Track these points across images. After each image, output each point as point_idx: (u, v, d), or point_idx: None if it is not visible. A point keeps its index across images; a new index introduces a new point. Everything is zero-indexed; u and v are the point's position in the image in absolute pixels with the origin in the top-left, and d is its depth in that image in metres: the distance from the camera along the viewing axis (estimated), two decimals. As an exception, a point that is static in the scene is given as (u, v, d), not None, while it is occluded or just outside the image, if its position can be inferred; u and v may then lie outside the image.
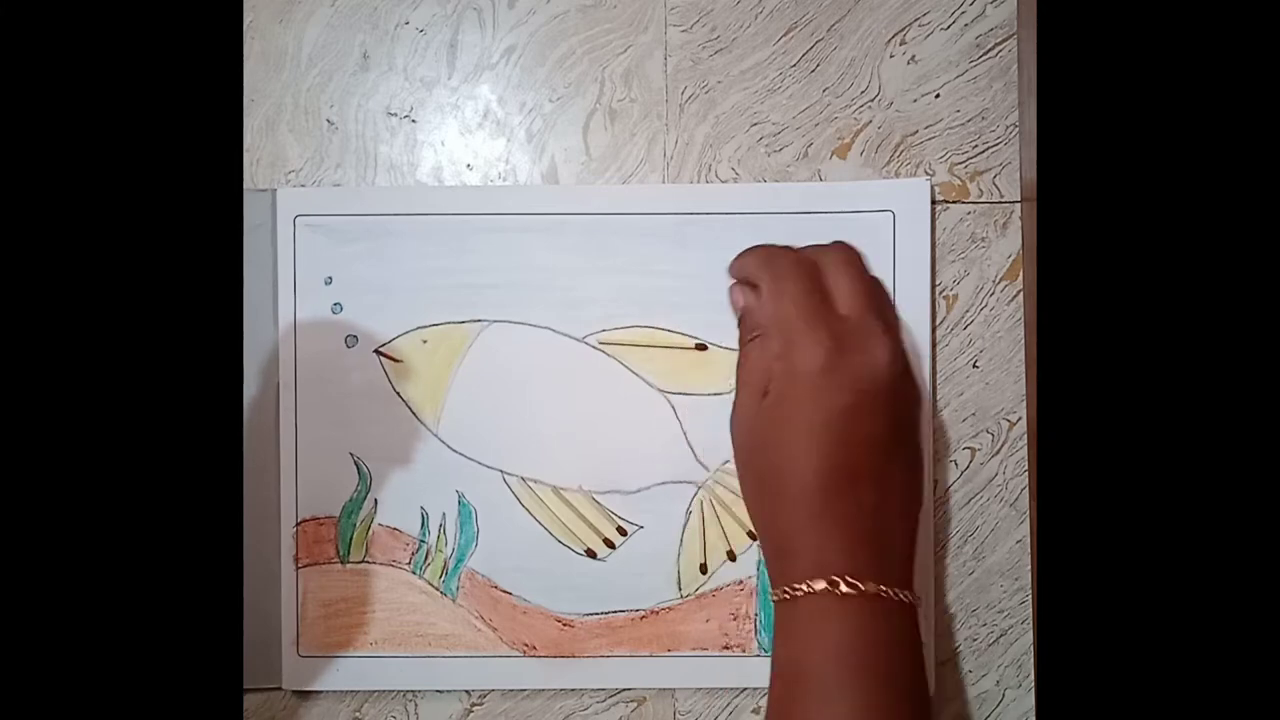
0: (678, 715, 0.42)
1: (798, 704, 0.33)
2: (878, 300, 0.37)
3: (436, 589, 0.42)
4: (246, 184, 0.43)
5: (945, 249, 0.42)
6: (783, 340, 0.35)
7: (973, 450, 0.42)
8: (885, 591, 0.33)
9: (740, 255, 0.39)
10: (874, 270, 0.39)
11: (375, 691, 0.42)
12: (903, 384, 0.36)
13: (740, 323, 0.39)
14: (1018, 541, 0.42)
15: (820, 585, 0.33)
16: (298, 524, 0.42)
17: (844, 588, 0.33)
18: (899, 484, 0.36)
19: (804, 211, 0.42)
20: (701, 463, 0.42)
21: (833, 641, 0.33)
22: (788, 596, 0.34)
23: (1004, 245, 0.42)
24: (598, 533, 0.42)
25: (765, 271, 0.37)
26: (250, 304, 0.42)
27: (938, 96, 0.42)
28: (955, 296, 0.42)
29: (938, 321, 0.42)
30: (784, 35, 0.43)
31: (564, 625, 0.42)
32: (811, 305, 0.35)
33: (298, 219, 0.42)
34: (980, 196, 0.42)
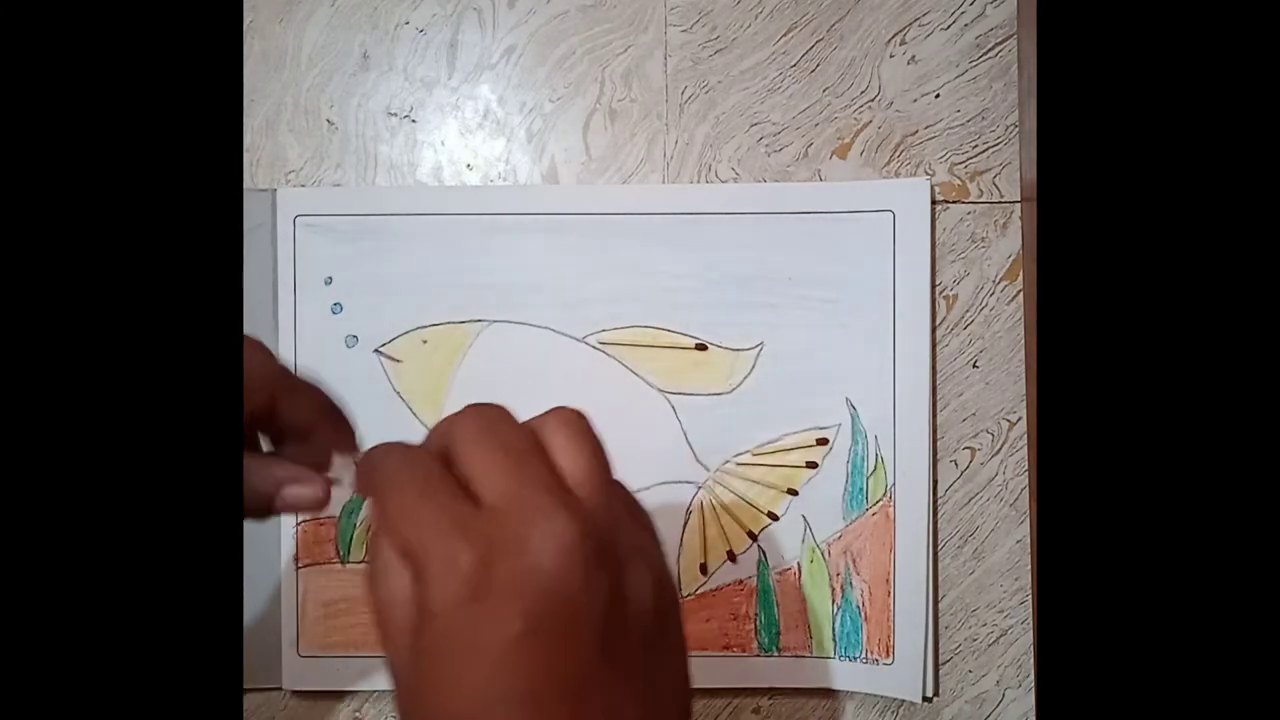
0: (678, 715, 0.42)
1: None
2: (534, 460, 0.24)
3: (436, 589, 0.42)
4: (246, 184, 0.43)
5: (945, 249, 0.42)
6: (423, 556, 0.23)
7: (973, 450, 0.42)
8: None
9: (360, 467, 0.27)
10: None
11: (375, 691, 0.42)
12: (591, 581, 0.23)
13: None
14: (1018, 541, 0.42)
15: None
16: (298, 524, 0.42)
17: None
18: (638, 708, 0.24)
19: (804, 211, 0.42)
20: (701, 463, 0.42)
21: None
22: None
23: (1004, 245, 0.42)
24: (598, 533, 0.42)
25: (389, 475, 0.25)
26: (250, 304, 0.42)
27: (938, 96, 0.42)
28: (955, 296, 0.42)
29: (938, 321, 0.42)
30: (784, 35, 0.43)
31: (564, 625, 0.42)
32: (436, 494, 0.24)
33: (298, 219, 0.42)
34: (980, 196, 0.42)
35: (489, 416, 0.25)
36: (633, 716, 0.24)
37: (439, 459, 0.25)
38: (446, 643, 0.23)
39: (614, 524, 0.24)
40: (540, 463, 0.24)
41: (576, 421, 0.25)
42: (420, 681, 0.23)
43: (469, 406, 0.26)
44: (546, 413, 0.26)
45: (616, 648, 0.23)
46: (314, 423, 0.31)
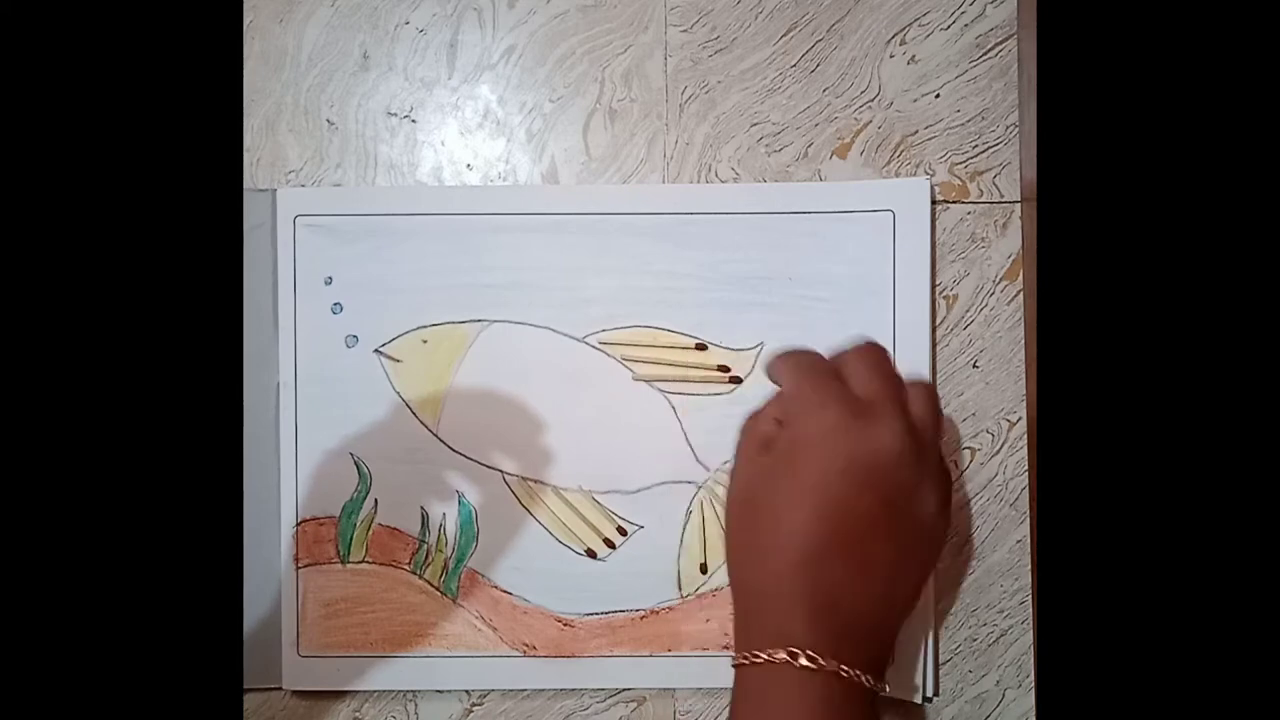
0: (678, 715, 0.42)
1: None
2: (894, 388, 0.35)
3: (436, 589, 0.42)
4: (246, 184, 0.43)
5: (945, 249, 0.42)
6: (787, 407, 0.35)
7: (973, 450, 0.42)
8: (846, 671, 0.32)
9: (775, 357, 0.38)
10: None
11: (375, 691, 0.42)
12: (908, 472, 0.34)
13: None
14: (1018, 541, 0.42)
15: (780, 655, 0.32)
16: (298, 524, 0.42)
17: (803, 661, 0.32)
18: (885, 568, 0.34)
19: (804, 211, 0.42)
20: (701, 463, 0.42)
21: (783, 715, 0.32)
22: (745, 663, 0.33)
23: (1004, 245, 0.42)
24: (598, 533, 0.42)
25: (785, 366, 0.37)
26: (250, 304, 0.42)
27: (938, 96, 0.42)
28: (955, 296, 0.42)
29: (938, 321, 0.42)
30: (784, 35, 0.43)
31: (564, 625, 0.42)
32: (823, 381, 0.35)
33: (298, 219, 0.42)
34: (980, 196, 0.42)
35: (877, 352, 0.36)
36: (883, 563, 0.34)
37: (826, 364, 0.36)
38: (791, 455, 0.34)
39: (930, 452, 0.35)
40: (902, 391, 0.35)
41: (933, 392, 0.37)
42: (759, 476, 0.35)
43: (867, 341, 0.37)
44: (911, 379, 0.36)
45: (892, 517, 0.34)
46: None
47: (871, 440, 0.33)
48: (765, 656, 0.33)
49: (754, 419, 0.36)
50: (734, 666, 0.34)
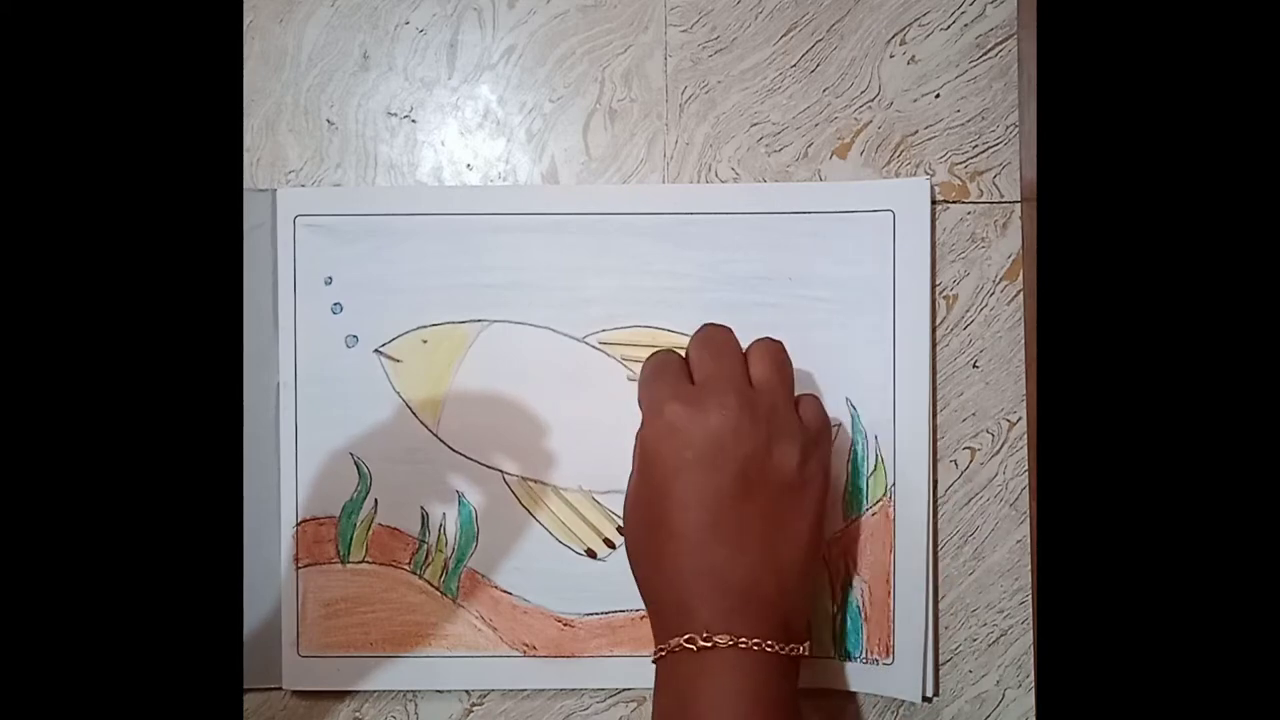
0: (678, 715, 0.42)
1: None
2: (727, 364, 0.37)
3: (436, 589, 0.42)
4: (246, 184, 0.43)
5: (945, 249, 0.42)
6: (649, 415, 0.37)
7: (973, 450, 0.42)
8: (744, 642, 0.34)
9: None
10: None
11: (375, 691, 0.42)
12: (753, 439, 0.35)
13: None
14: (1018, 541, 0.42)
15: (684, 642, 0.34)
16: (298, 524, 0.42)
17: (700, 641, 0.34)
18: (758, 537, 0.35)
19: (804, 211, 0.42)
20: (701, 463, 0.42)
21: (696, 696, 0.34)
22: (662, 654, 0.35)
23: (1004, 245, 0.42)
24: (598, 533, 0.42)
25: (645, 381, 0.38)
26: (250, 304, 0.42)
27: (938, 96, 0.42)
28: (955, 296, 0.42)
29: (938, 321, 0.42)
30: (784, 35, 0.43)
31: (564, 625, 0.42)
32: (658, 384, 0.37)
33: (298, 219, 0.42)
34: (980, 196, 0.42)
35: (711, 330, 0.38)
36: (756, 532, 0.35)
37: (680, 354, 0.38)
38: (648, 460, 0.36)
39: (776, 412, 0.36)
40: (735, 364, 0.37)
41: (773, 347, 0.38)
42: (633, 487, 0.37)
43: (705, 325, 0.39)
44: (756, 339, 0.38)
45: (754, 489, 0.35)
46: None
47: (706, 423, 0.35)
48: (670, 646, 0.35)
49: (637, 444, 0.38)
50: (653, 662, 0.36)
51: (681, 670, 0.34)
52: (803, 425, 0.37)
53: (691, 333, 0.39)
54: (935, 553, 0.42)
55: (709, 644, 0.34)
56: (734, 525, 0.35)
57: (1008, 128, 0.42)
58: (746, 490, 0.35)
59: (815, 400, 0.38)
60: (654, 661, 0.36)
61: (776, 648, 0.34)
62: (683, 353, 0.38)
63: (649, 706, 0.42)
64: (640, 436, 0.37)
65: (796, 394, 0.38)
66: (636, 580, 0.37)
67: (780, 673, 0.35)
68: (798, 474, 0.36)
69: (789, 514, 0.36)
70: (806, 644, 0.36)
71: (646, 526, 0.36)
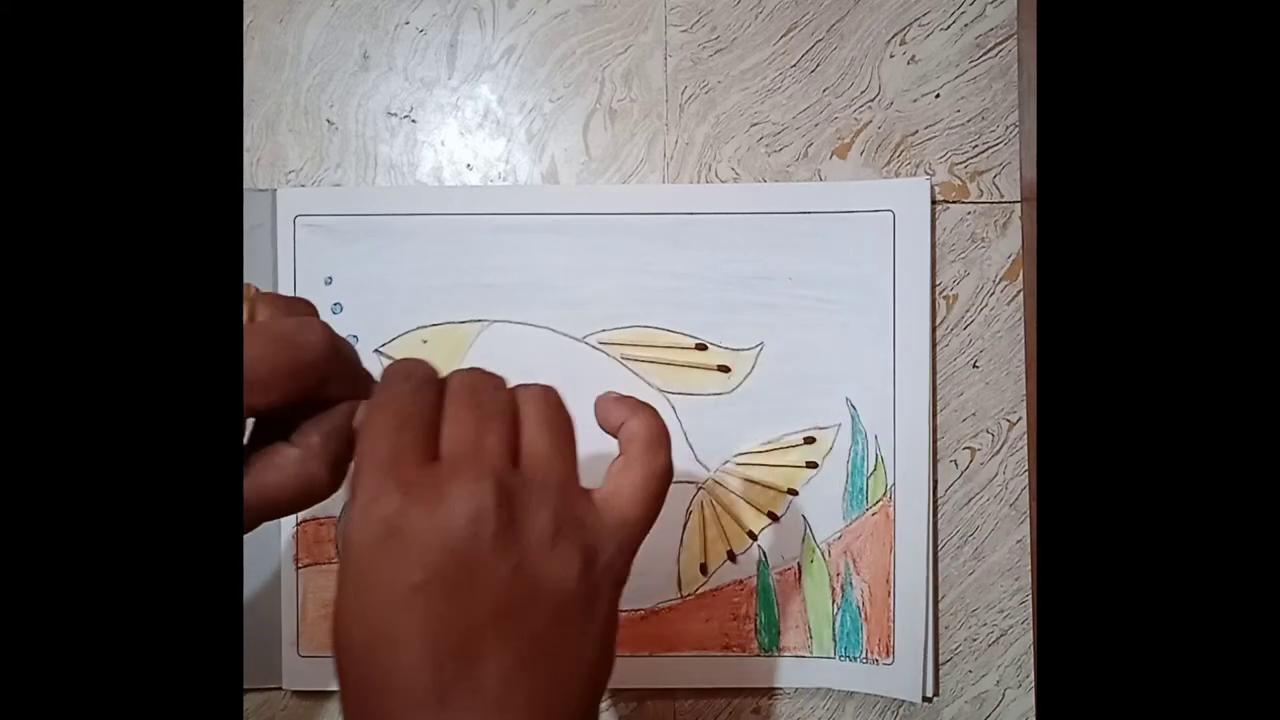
0: (677, 715, 0.42)
1: None
2: (482, 427, 0.26)
3: (436, 589, 0.42)
4: (246, 184, 0.43)
5: (945, 249, 0.42)
6: (357, 491, 0.25)
7: (973, 450, 0.42)
8: None
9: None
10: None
11: (375, 691, 0.42)
12: (500, 547, 0.25)
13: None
14: (1018, 541, 0.42)
15: None
16: (298, 524, 0.42)
17: None
18: (533, 678, 0.25)
19: (804, 211, 0.42)
20: (701, 463, 0.42)
21: None
22: None
23: (1004, 245, 0.42)
24: (598, 533, 0.42)
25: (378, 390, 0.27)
26: (250, 304, 0.42)
27: (938, 96, 0.42)
28: (955, 296, 0.42)
29: (938, 321, 0.42)
30: (784, 35, 0.43)
31: (564, 625, 0.42)
32: (375, 460, 0.25)
33: (298, 219, 0.42)
34: (980, 196, 0.42)
35: (478, 380, 0.27)
36: (527, 687, 0.24)
37: (432, 401, 0.26)
38: (361, 574, 0.24)
39: (552, 500, 0.26)
40: (501, 431, 0.26)
41: (549, 399, 0.28)
42: (341, 610, 0.25)
43: (472, 368, 0.28)
44: (528, 386, 0.28)
45: (520, 616, 0.25)
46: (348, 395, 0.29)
47: (449, 526, 0.24)
48: None
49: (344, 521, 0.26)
50: None
51: None
52: (591, 505, 0.27)
53: (692, 333, 0.39)
54: (935, 553, 0.42)
55: None
56: (492, 668, 0.24)
57: (1008, 128, 0.42)
58: (507, 616, 0.24)
59: (642, 451, 0.29)
60: None
61: None
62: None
63: (649, 707, 0.42)
64: (349, 537, 0.25)
65: (644, 400, 0.30)
66: None
67: None
68: (580, 584, 0.26)
69: (566, 644, 0.26)
70: None
71: (364, 674, 0.25)
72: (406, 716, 0.24)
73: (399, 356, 0.42)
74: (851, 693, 0.42)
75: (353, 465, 0.26)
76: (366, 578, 0.24)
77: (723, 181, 0.42)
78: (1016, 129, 0.42)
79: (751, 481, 0.42)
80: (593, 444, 0.42)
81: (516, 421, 0.27)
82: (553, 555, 0.25)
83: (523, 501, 0.25)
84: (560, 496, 0.26)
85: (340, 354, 0.28)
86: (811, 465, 0.42)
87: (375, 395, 0.27)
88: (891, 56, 0.42)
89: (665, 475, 0.29)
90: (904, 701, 0.41)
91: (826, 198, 0.42)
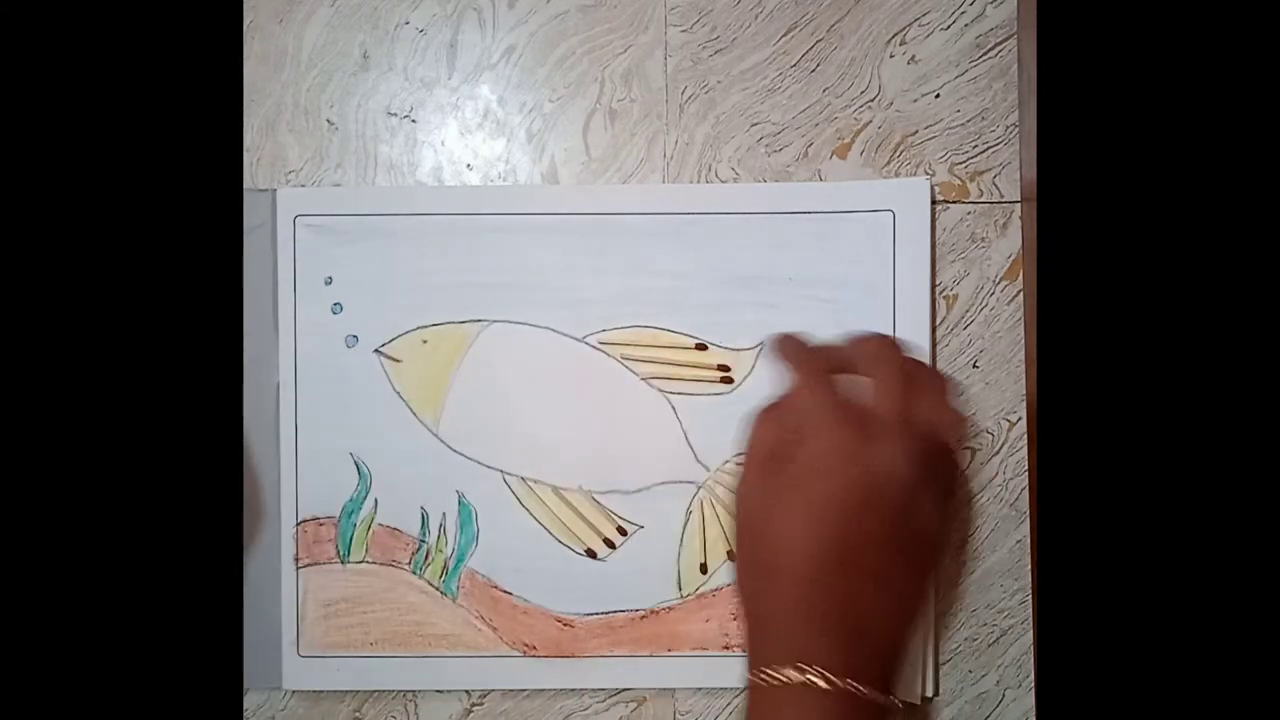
0: (678, 715, 0.42)
1: None
2: (901, 399, 0.34)
3: (436, 589, 0.42)
4: (246, 184, 0.43)
5: (945, 249, 0.42)
6: (800, 419, 0.35)
7: (973, 450, 0.42)
8: (859, 689, 0.32)
9: (781, 339, 0.38)
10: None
11: (375, 691, 0.42)
12: (911, 488, 0.33)
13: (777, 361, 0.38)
14: (1018, 541, 0.42)
15: (792, 674, 0.32)
16: (298, 524, 0.42)
17: (816, 679, 0.32)
18: (892, 582, 0.34)
19: (804, 211, 0.42)
20: (701, 463, 0.42)
21: None
22: (761, 681, 0.33)
23: (1004, 245, 0.42)
24: (598, 533, 0.42)
25: (799, 361, 0.37)
26: (250, 304, 0.42)
27: (938, 96, 0.42)
28: (955, 296, 0.42)
29: (938, 321, 0.42)
30: (784, 35, 0.43)
31: (564, 625, 0.42)
32: (828, 396, 0.35)
33: (298, 219, 0.42)
34: (980, 196, 0.42)
35: (892, 354, 0.36)
36: (893, 593, 0.34)
37: (834, 360, 0.37)
38: (798, 475, 0.34)
39: (938, 460, 0.34)
40: (924, 400, 0.35)
41: (947, 386, 0.36)
42: (767, 494, 0.34)
43: (881, 337, 0.37)
44: (920, 364, 0.37)
45: (902, 543, 0.34)
46: None
47: (875, 464, 0.33)
48: (779, 676, 0.33)
49: (760, 425, 0.36)
50: (748, 686, 0.34)
51: (789, 704, 0.32)
52: (958, 474, 0.35)
53: (692, 333, 0.39)
54: (935, 553, 0.42)
55: (825, 684, 0.32)
56: (870, 568, 0.33)
57: (1008, 128, 0.42)
58: (890, 535, 0.33)
59: (954, 445, 0.36)
60: (749, 685, 0.34)
61: (887, 700, 0.33)
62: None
63: (649, 707, 0.42)
64: (797, 447, 0.34)
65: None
66: (743, 591, 0.35)
67: None
68: (937, 526, 0.34)
69: (919, 564, 0.35)
70: (898, 700, 0.34)
71: (772, 545, 0.34)
72: (796, 587, 0.33)
73: (399, 356, 0.42)
74: (851, 693, 0.42)
75: (787, 396, 0.36)
76: (804, 476, 0.34)
77: (723, 181, 0.42)
78: (1016, 129, 0.42)
79: (751, 481, 0.42)
80: (607, 441, 0.42)
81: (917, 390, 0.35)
82: (927, 502, 0.34)
83: (925, 459, 0.34)
84: (942, 460, 0.35)
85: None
86: (811, 465, 0.42)
87: (806, 362, 0.37)
88: (891, 56, 0.42)
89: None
90: (904, 701, 0.41)
91: (826, 198, 0.42)
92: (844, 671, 0.32)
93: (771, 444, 0.35)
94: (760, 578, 0.35)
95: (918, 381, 0.35)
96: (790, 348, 0.37)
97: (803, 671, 0.32)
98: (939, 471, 0.35)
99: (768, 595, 0.34)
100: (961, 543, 0.42)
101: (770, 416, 0.35)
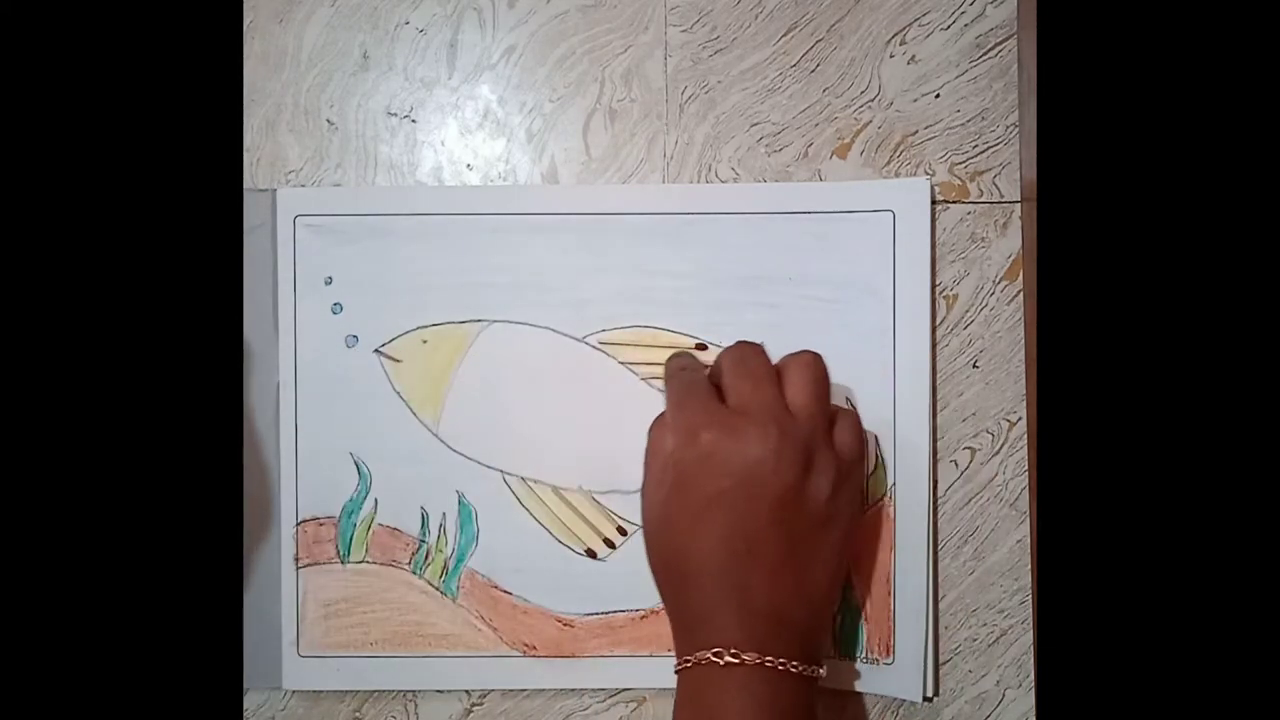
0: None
1: None
2: (764, 390, 0.36)
3: (436, 589, 0.42)
4: (246, 184, 0.43)
5: (945, 249, 0.42)
6: (682, 426, 0.36)
7: (973, 450, 0.42)
8: (770, 661, 0.34)
9: (668, 359, 0.41)
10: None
11: (375, 691, 0.42)
12: (789, 469, 0.35)
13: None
14: (1018, 541, 0.42)
15: (707, 656, 0.35)
16: (298, 524, 0.42)
17: (728, 657, 0.34)
18: (789, 562, 0.36)
19: (804, 211, 0.42)
20: (701, 463, 0.42)
21: (722, 709, 0.34)
22: (687, 665, 0.36)
23: (1004, 245, 0.42)
24: (598, 533, 0.42)
25: (674, 372, 0.39)
26: (250, 304, 0.42)
27: (938, 96, 0.42)
28: (955, 296, 0.42)
29: (938, 321, 0.42)
30: (784, 35, 0.43)
31: (564, 625, 0.42)
32: (695, 404, 0.37)
33: (298, 219, 0.42)
34: (980, 196, 0.42)
35: (746, 351, 0.38)
36: (792, 567, 0.36)
37: (709, 375, 0.38)
38: (682, 483, 0.36)
39: (813, 441, 0.36)
40: (771, 388, 0.37)
41: (812, 363, 0.38)
42: (662, 504, 0.36)
43: (738, 342, 0.39)
44: (796, 354, 0.38)
45: (789, 522, 0.36)
46: None
47: (745, 455, 0.35)
48: (696, 659, 0.35)
49: (654, 438, 0.37)
50: (675, 673, 0.36)
51: (708, 683, 0.35)
52: (837, 455, 0.37)
53: (692, 333, 0.39)
54: (935, 553, 0.42)
55: (736, 660, 0.34)
56: (766, 553, 0.35)
57: (1008, 128, 0.42)
58: (779, 520, 0.35)
59: (854, 421, 0.38)
60: (677, 672, 0.36)
61: (801, 668, 0.35)
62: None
63: (649, 707, 0.42)
64: (673, 457, 0.36)
65: (839, 408, 0.39)
66: (659, 588, 0.38)
67: (804, 693, 0.36)
68: (827, 506, 0.36)
69: (818, 544, 0.36)
70: (824, 668, 0.36)
71: (675, 548, 0.36)
72: (702, 581, 0.35)
73: (399, 357, 0.42)
74: (851, 693, 0.42)
75: (664, 414, 0.37)
76: (689, 481, 0.36)
77: (723, 181, 0.42)
78: (1016, 129, 0.42)
79: (751, 481, 0.42)
80: (607, 441, 0.43)
81: (779, 379, 0.37)
82: (810, 483, 0.36)
83: (794, 440, 0.35)
84: (818, 439, 0.36)
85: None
86: (811, 465, 0.42)
87: (672, 376, 0.39)
88: (891, 56, 0.42)
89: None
90: (904, 701, 0.41)
91: (826, 198, 0.42)
92: (754, 648, 0.35)
93: (664, 454, 0.36)
94: (672, 581, 0.37)
95: (787, 371, 0.37)
96: (672, 364, 0.40)
97: (716, 652, 0.35)
98: (821, 455, 0.36)
99: (682, 595, 0.37)
100: (958, 545, 0.42)
101: (661, 428, 0.37)
